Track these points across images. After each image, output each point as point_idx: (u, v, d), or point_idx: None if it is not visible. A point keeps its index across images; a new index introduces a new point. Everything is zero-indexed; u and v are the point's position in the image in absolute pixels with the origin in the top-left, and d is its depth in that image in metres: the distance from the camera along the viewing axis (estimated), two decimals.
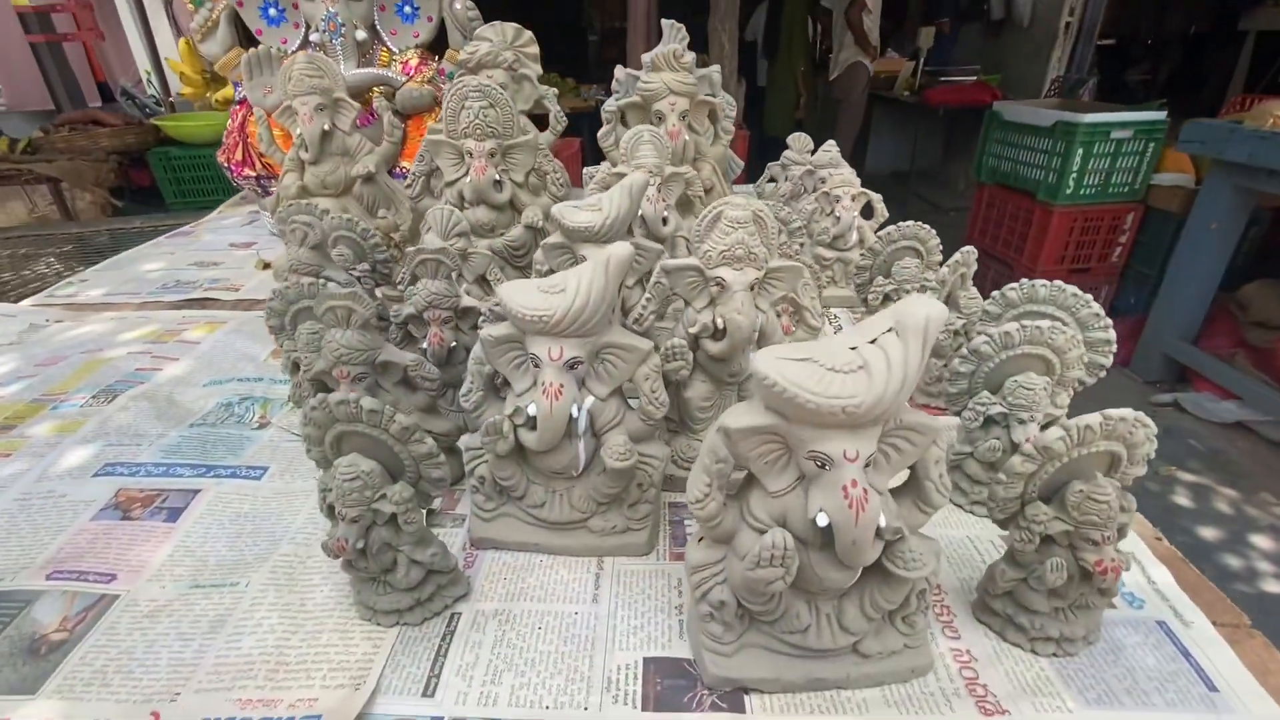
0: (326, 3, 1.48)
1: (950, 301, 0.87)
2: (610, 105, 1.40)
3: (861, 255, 0.99)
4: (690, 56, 1.27)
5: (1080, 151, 3.07)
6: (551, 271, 0.96)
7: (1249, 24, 6.55)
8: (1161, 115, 3.08)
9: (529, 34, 1.43)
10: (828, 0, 4.47)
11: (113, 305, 1.44)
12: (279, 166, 1.37)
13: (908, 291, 0.98)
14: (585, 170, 1.33)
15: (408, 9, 1.59)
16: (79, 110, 3.55)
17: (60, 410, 1.00)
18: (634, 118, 1.36)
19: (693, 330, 0.75)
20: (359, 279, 1.00)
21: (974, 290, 0.87)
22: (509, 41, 1.42)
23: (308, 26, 1.55)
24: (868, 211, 1.27)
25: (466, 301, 0.92)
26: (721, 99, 1.36)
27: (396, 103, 1.54)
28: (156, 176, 3.09)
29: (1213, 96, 5.37)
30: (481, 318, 0.84)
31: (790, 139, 1.48)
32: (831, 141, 1.30)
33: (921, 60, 5.09)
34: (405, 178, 1.30)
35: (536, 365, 0.64)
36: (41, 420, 0.98)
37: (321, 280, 0.83)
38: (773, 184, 1.54)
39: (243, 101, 1.57)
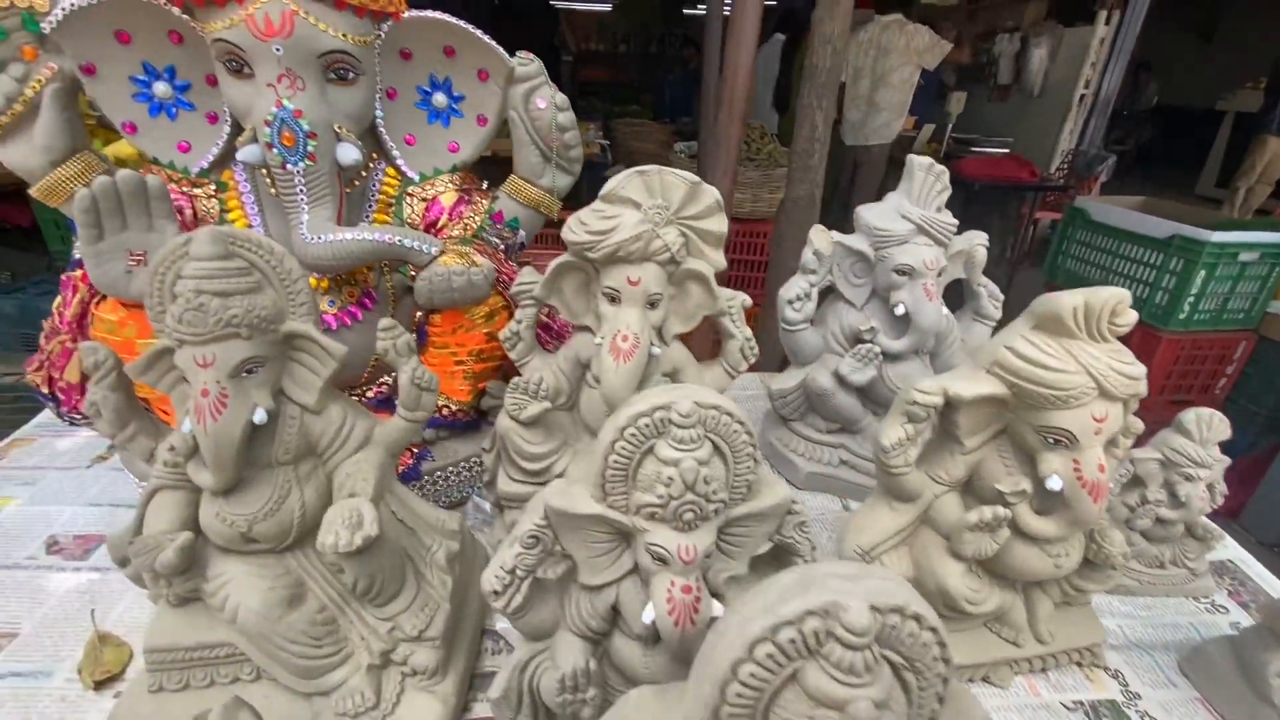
0: (276, 86, 0.70)
1: None
2: (912, 422, 0.63)
3: None
4: (1132, 316, 0.57)
5: (1202, 274, 2.59)
6: None
7: (1227, 105, 6.61)
8: None
9: (711, 194, 0.70)
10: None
11: None
12: (162, 401, 0.58)
13: None
14: None
15: (440, 99, 0.83)
16: None
17: None
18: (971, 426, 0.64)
19: None
20: None
21: None
22: (675, 208, 0.68)
23: (235, 127, 0.78)
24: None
25: None
26: None
27: (418, 293, 0.77)
28: (37, 215, 2.27)
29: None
30: None
31: (1188, 420, 0.77)
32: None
33: (950, 127, 4.62)
34: None
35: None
36: None
37: None
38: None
39: (82, 270, 0.75)
